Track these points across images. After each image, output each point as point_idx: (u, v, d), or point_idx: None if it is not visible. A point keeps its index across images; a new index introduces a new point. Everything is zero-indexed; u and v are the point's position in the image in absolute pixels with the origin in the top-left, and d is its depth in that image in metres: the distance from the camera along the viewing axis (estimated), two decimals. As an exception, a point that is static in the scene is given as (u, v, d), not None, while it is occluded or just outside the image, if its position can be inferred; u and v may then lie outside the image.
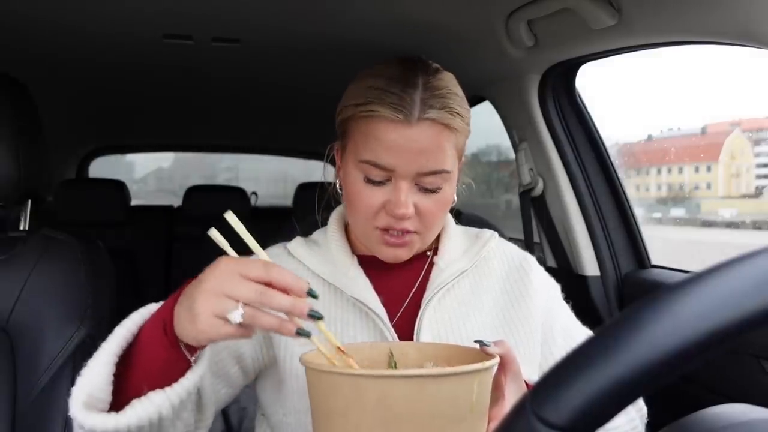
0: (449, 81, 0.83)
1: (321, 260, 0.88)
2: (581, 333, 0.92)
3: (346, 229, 0.92)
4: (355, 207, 0.82)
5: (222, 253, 0.63)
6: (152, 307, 0.67)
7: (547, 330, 0.89)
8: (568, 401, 0.31)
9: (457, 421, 0.57)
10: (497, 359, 0.63)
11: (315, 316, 0.59)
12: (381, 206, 0.80)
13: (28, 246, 1.02)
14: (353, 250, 0.90)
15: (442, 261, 0.88)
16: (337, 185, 0.89)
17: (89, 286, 1.02)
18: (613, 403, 0.31)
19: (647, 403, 0.90)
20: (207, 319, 0.57)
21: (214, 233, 0.63)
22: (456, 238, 0.92)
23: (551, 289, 0.94)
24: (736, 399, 0.44)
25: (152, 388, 0.62)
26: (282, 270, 0.58)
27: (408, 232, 0.81)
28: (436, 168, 0.79)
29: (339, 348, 0.64)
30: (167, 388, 0.62)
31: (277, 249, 0.92)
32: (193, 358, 0.64)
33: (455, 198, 0.88)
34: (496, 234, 0.95)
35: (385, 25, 1.38)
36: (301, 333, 0.58)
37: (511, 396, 0.69)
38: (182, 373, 0.64)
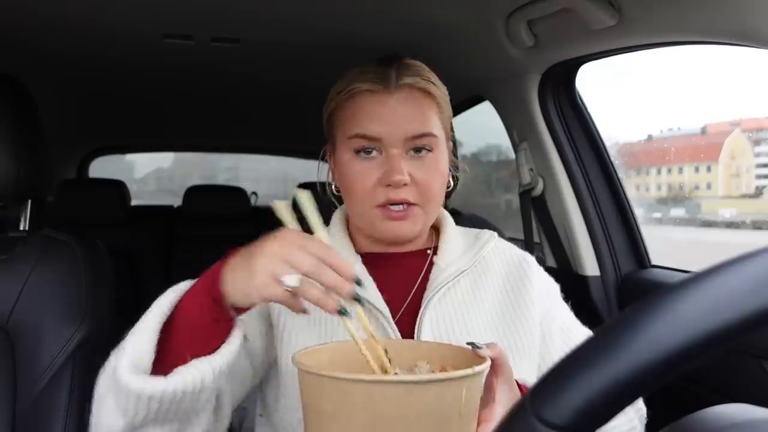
0: (422, 64, 0.88)
1: None
2: (579, 333, 0.92)
3: (348, 229, 0.93)
4: (353, 189, 0.84)
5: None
6: (189, 283, 0.69)
7: (546, 330, 0.89)
8: (568, 401, 0.31)
9: (445, 425, 0.57)
10: (487, 363, 0.63)
11: (357, 299, 0.63)
12: (377, 182, 0.82)
13: (28, 246, 1.02)
14: (356, 249, 0.90)
15: (442, 261, 0.89)
16: (333, 186, 0.91)
17: (89, 286, 1.02)
18: (613, 404, 0.31)
19: (647, 403, 0.90)
20: (263, 276, 0.60)
21: (281, 206, 0.67)
22: (456, 238, 0.93)
23: (550, 288, 0.94)
24: (736, 399, 0.44)
25: (195, 355, 0.64)
26: (338, 254, 0.63)
27: (409, 204, 0.82)
28: (423, 131, 0.82)
29: (373, 336, 0.66)
30: (209, 356, 0.64)
31: None
32: (237, 317, 0.66)
33: (450, 181, 0.90)
34: (495, 234, 0.96)
35: (386, 25, 1.38)
36: (342, 312, 0.62)
37: (503, 399, 0.68)
38: (222, 342, 0.65)
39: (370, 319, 0.82)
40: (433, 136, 0.83)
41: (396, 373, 0.67)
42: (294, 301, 0.62)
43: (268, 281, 0.61)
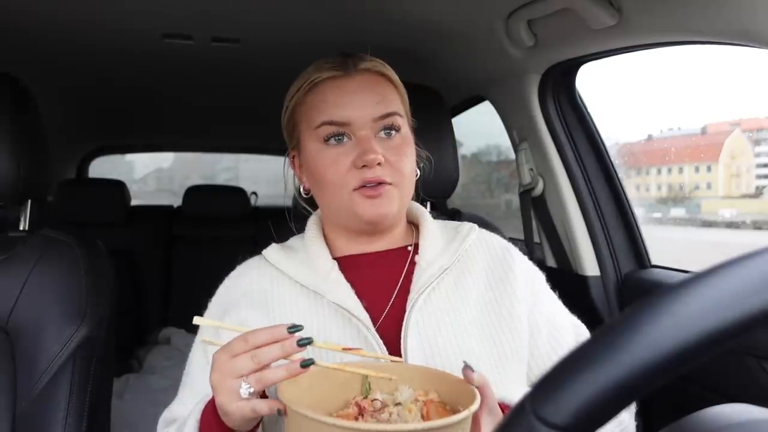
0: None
1: (299, 265, 0.86)
2: (565, 323, 0.90)
3: (324, 233, 0.91)
4: (326, 177, 0.82)
5: None
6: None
7: (533, 324, 0.87)
8: (568, 401, 0.31)
9: None
10: (478, 400, 0.61)
11: (306, 343, 0.64)
12: (350, 165, 0.81)
13: (28, 246, 1.02)
14: (332, 254, 0.88)
15: (423, 260, 0.86)
16: (302, 190, 0.90)
17: (89, 286, 1.02)
18: (613, 404, 0.31)
19: (647, 403, 0.90)
20: (233, 407, 0.63)
21: (199, 320, 0.70)
22: (435, 233, 0.90)
23: (535, 279, 0.92)
24: (736, 399, 0.44)
25: None
26: (258, 332, 0.64)
27: (383, 183, 0.81)
28: (389, 110, 0.83)
29: (344, 348, 0.68)
30: None
31: (253, 262, 0.92)
32: None
33: (418, 171, 0.89)
34: (475, 226, 0.93)
35: (386, 25, 1.38)
36: (306, 364, 0.63)
37: (487, 429, 0.66)
38: None
39: (351, 328, 0.80)
40: (399, 115, 0.84)
41: (376, 399, 0.66)
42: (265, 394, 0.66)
43: (240, 406, 0.63)
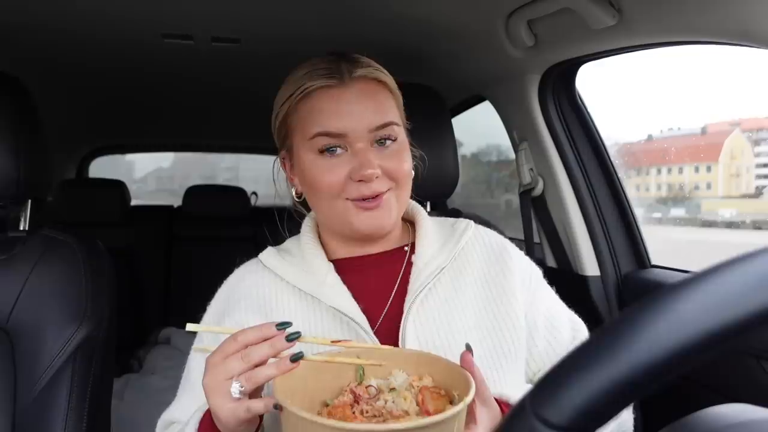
0: (368, 58, 0.87)
1: (296, 270, 0.86)
2: (562, 319, 0.90)
3: (319, 236, 0.91)
4: (320, 188, 0.81)
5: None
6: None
7: (531, 322, 0.87)
8: (568, 401, 0.31)
9: None
10: (472, 391, 0.60)
11: (295, 338, 0.64)
12: (346, 177, 0.80)
13: (28, 246, 1.02)
14: (328, 256, 0.88)
15: (420, 260, 0.86)
16: (294, 194, 0.89)
17: (89, 286, 1.02)
18: (613, 403, 0.31)
19: (647, 402, 0.90)
20: (225, 409, 0.63)
21: (192, 327, 0.71)
22: (432, 231, 0.90)
23: (532, 275, 0.91)
24: (736, 399, 0.44)
25: None
26: (247, 331, 0.65)
27: (382, 193, 0.80)
28: (385, 120, 0.81)
29: (333, 341, 0.68)
30: None
31: (251, 265, 0.91)
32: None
33: (413, 171, 0.87)
34: (471, 223, 0.93)
35: (385, 25, 1.38)
36: (296, 358, 0.63)
37: (483, 420, 0.66)
38: None
39: (349, 331, 0.80)
40: (395, 124, 0.82)
41: (371, 386, 0.66)
42: (259, 394, 0.66)
43: (230, 407, 0.63)
